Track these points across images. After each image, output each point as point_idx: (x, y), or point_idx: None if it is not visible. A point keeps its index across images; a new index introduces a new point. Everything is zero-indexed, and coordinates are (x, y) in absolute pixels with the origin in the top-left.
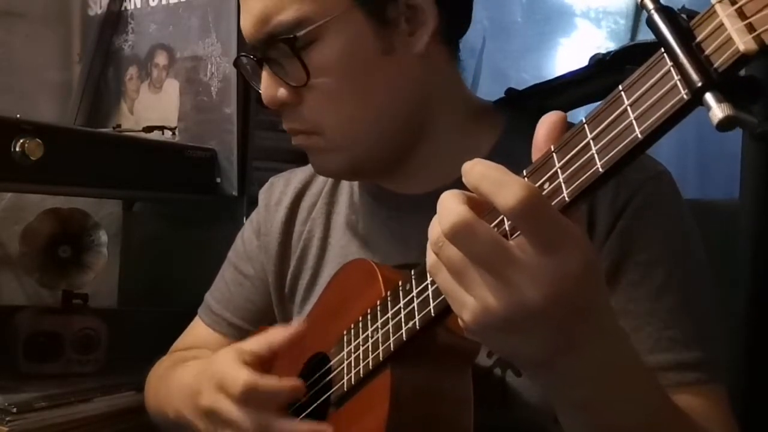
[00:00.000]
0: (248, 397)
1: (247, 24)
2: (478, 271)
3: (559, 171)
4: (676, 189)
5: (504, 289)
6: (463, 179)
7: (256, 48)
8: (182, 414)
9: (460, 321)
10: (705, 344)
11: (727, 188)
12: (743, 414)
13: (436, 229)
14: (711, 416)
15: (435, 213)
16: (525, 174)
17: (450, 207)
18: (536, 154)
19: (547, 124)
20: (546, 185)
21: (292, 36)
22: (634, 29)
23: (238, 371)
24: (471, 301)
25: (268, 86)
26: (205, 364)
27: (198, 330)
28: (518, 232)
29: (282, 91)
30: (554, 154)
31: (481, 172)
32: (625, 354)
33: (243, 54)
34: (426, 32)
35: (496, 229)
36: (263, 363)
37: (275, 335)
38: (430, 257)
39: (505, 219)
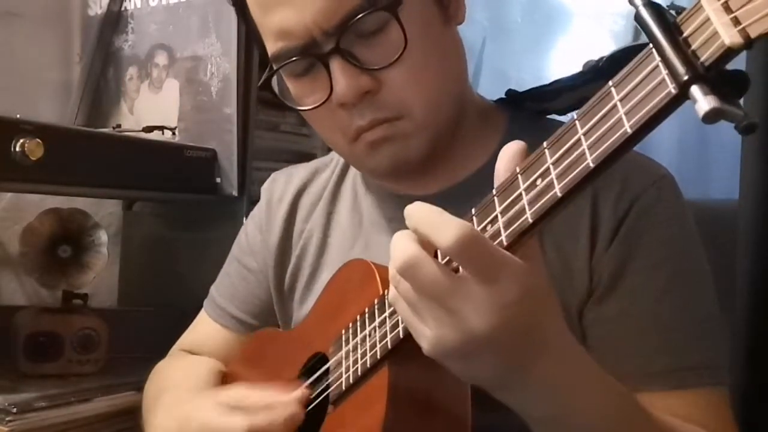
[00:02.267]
0: None
1: (311, 16)
2: (428, 303)
3: (551, 167)
4: (678, 192)
5: (452, 320)
6: (406, 222)
7: (311, 45)
8: None
9: (422, 348)
10: (706, 348)
11: (727, 189)
12: (744, 415)
13: (391, 264)
14: (711, 420)
15: None
16: (518, 171)
17: (399, 245)
18: (497, 182)
19: (507, 154)
20: (539, 181)
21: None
22: (637, 29)
23: (232, 419)
24: (427, 331)
25: (347, 77)
26: (186, 413)
27: (203, 324)
28: None
29: (363, 80)
30: (546, 150)
31: (419, 216)
32: (582, 370)
33: (294, 58)
34: (462, 1)
35: (450, 264)
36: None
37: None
38: (391, 290)
39: None
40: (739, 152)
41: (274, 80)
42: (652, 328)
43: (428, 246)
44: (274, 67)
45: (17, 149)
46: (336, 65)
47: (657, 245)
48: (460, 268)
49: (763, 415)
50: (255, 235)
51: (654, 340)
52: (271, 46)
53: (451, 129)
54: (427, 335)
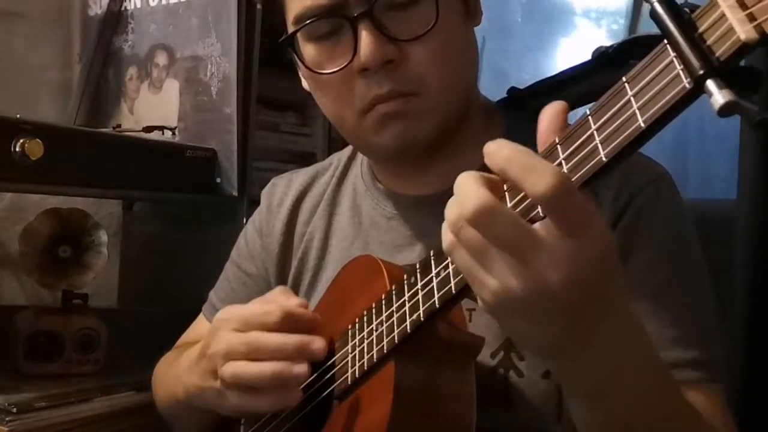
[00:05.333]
0: (287, 321)
1: None
2: (500, 253)
3: (563, 162)
4: (676, 191)
5: (525, 272)
6: (486, 161)
7: (342, 6)
8: (192, 385)
9: (479, 300)
10: (704, 344)
11: (727, 189)
12: (742, 413)
13: (454, 210)
14: (712, 415)
15: (440, 214)
16: None
17: (470, 190)
18: (541, 147)
19: (548, 114)
20: None
21: None
22: (632, 29)
23: (267, 305)
24: (492, 281)
25: (374, 42)
26: (210, 327)
27: (201, 327)
28: (535, 211)
29: (388, 48)
30: (558, 146)
31: (507, 155)
32: (640, 344)
33: (321, 17)
34: (481, 5)
35: (514, 209)
36: None
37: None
38: (447, 237)
39: (522, 200)
40: (737, 152)
41: (299, 45)
42: (649, 324)
43: (494, 190)
44: (298, 27)
45: (17, 149)
46: (364, 29)
47: (654, 243)
48: (528, 214)
49: (761, 414)
50: (255, 239)
51: (651, 335)
52: (298, 5)
53: (458, 121)
54: (492, 286)
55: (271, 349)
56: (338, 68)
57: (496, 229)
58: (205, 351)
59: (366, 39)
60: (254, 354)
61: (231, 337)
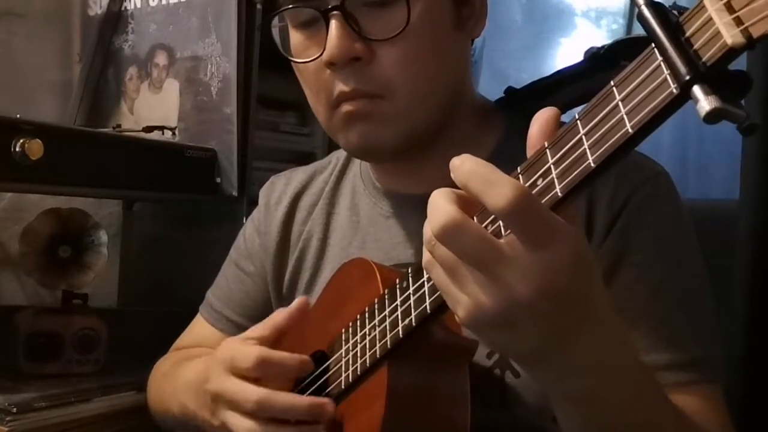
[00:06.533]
0: (261, 369)
1: None
2: (469, 269)
3: (552, 167)
4: (674, 190)
5: (494, 286)
6: (452, 175)
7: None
8: (188, 408)
9: (456, 316)
10: (701, 344)
11: (727, 189)
12: (743, 414)
13: (427, 228)
14: (707, 417)
15: None
16: (519, 171)
17: (439, 206)
18: (530, 151)
19: (540, 120)
20: (539, 181)
21: None
22: (629, 29)
23: (249, 347)
24: (464, 298)
25: (342, 37)
26: (211, 356)
27: (199, 327)
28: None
29: (357, 46)
30: (548, 150)
31: (470, 169)
32: (622, 348)
33: (298, 4)
34: (485, 19)
35: (490, 226)
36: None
37: (278, 316)
38: (425, 255)
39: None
40: (739, 152)
41: (277, 31)
42: (646, 323)
43: (467, 206)
44: (276, 11)
45: (17, 149)
46: (335, 23)
47: (652, 241)
48: (503, 232)
49: (762, 415)
50: (253, 238)
51: (648, 335)
52: None
53: (432, 132)
54: (464, 303)
55: (280, 410)
56: (310, 59)
57: (462, 245)
58: (205, 386)
59: (334, 33)
60: (262, 414)
61: (235, 387)
